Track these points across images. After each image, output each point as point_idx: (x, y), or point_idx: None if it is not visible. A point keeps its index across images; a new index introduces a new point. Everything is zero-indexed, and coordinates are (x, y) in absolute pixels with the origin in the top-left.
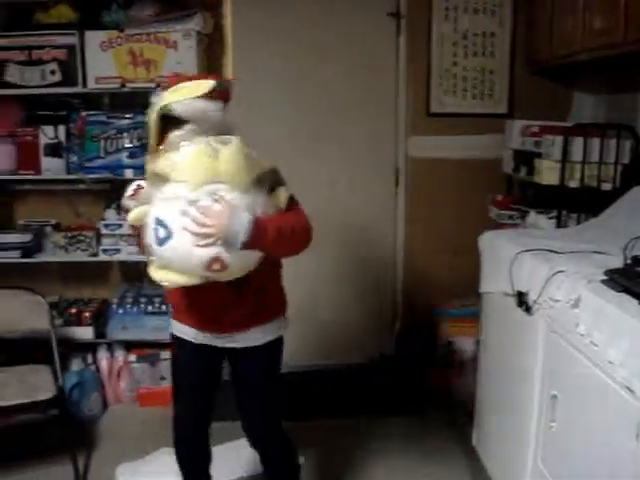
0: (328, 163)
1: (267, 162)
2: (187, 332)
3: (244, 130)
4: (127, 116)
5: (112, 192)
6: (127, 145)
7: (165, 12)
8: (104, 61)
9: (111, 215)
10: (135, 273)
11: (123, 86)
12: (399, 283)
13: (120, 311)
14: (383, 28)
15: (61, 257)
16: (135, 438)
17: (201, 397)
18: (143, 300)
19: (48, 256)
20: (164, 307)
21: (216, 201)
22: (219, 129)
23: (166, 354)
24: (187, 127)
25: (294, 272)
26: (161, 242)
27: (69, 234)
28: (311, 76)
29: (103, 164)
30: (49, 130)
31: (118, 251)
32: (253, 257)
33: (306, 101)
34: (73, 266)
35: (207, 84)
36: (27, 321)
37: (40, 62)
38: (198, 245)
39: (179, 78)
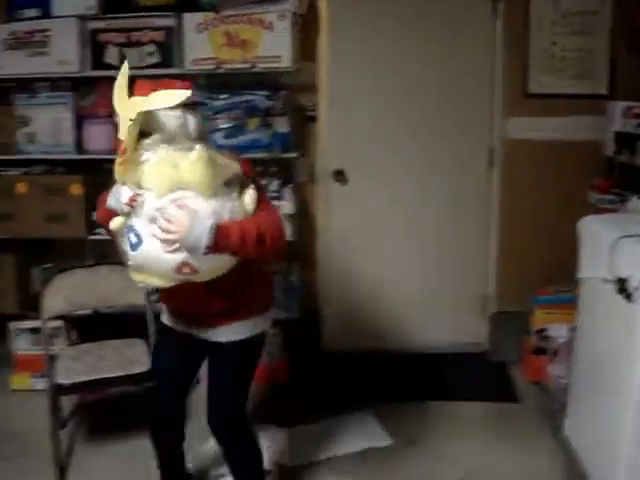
0: (422, 145)
1: (235, 165)
2: (168, 319)
3: (338, 111)
4: (223, 97)
5: None
6: (223, 125)
7: None
8: (200, 42)
9: None
10: None
11: (219, 67)
12: (492, 267)
13: None
14: (480, 8)
15: None
16: None
17: (176, 384)
18: None
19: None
20: None
21: (179, 208)
22: (187, 135)
23: None
24: (155, 136)
25: (386, 253)
26: (133, 248)
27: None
28: (405, 59)
29: None
30: None
31: None
32: (224, 260)
33: (400, 84)
34: None
35: (182, 94)
36: (124, 296)
37: (139, 44)
38: (166, 251)
39: (148, 85)
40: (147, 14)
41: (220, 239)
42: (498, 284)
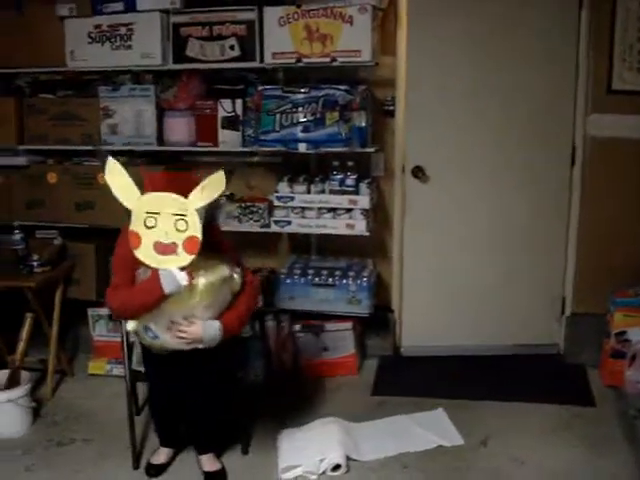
0: (500, 143)
1: (226, 269)
2: None
3: (416, 107)
4: (302, 91)
5: (284, 165)
6: (301, 119)
7: None
8: (281, 36)
9: (284, 188)
10: (304, 245)
11: (299, 61)
12: (570, 267)
13: (288, 281)
14: (564, 2)
15: (234, 227)
16: (297, 406)
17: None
18: (311, 272)
19: (222, 225)
20: (331, 280)
21: (191, 323)
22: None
23: (331, 325)
24: None
25: (462, 251)
26: (153, 338)
27: (243, 205)
28: (485, 54)
29: (277, 138)
30: (227, 104)
31: (289, 223)
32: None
33: (479, 80)
34: (245, 235)
35: (222, 183)
36: None
37: (220, 37)
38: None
39: (160, 179)
40: (229, 8)
41: (226, 333)
42: (575, 285)
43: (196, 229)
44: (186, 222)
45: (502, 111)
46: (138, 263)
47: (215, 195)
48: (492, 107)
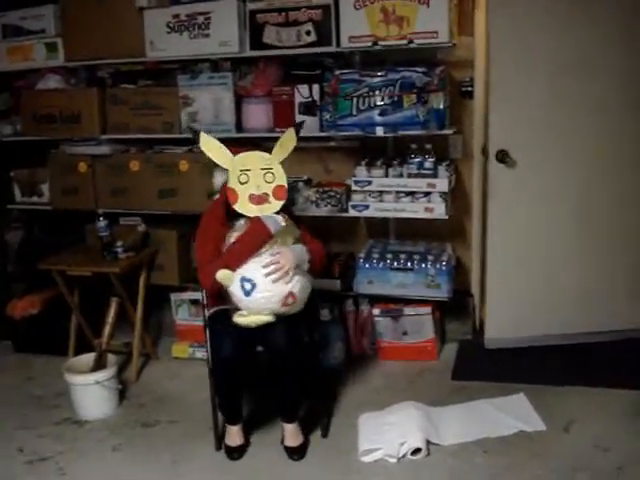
0: (593, 130)
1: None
2: None
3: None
4: (379, 74)
5: (362, 149)
6: (378, 103)
7: None
8: (357, 20)
9: (361, 172)
10: (382, 229)
11: (375, 44)
12: None
13: (366, 265)
14: None
15: (312, 211)
16: (376, 390)
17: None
18: (389, 256)
19: (300, 210)
20: (409, 264)
21: (279, 254)
22: None
23: (410, 310)
24: None
25: (549, 237)
26: (247, 294)
27: (320, 189)
28: (578, 34)
29: (355, 122)
30: (304, 89)
31: (367, 207)
32: (309, 286)
33: (571, 62)
34: (323, 220)
35: (293, 140)
36: None
37: (296, 23)
38: (284, 283)
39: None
40: None
41: (312, 254)
42: None
43: (282, 179)
44: (273, 174)
45: (595, 98)
46: (223, 233)
47: (291, 149)
48: (584, 93)
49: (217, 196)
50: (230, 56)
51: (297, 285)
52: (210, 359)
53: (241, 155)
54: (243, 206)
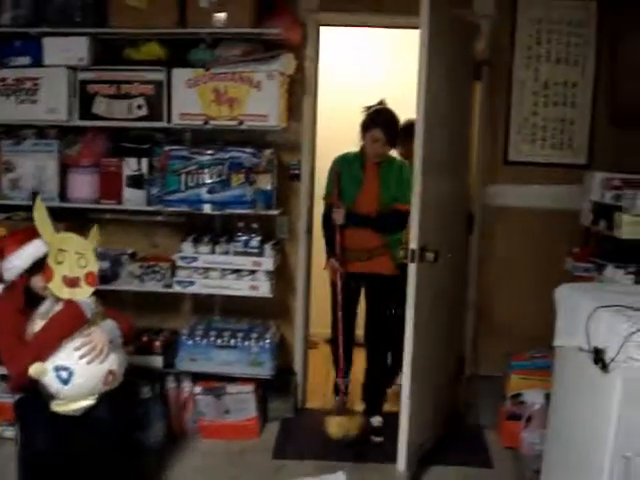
0: None
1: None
2: None
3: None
4: (208, 152)
5: (189, 225)
6: (207, 181)
7: (250, 52)
8: (189, 98)
9: (187, 248)
10: (206, 306)
11: (206, 123)
12: (469, 331)
13: (189, 342)
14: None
15: (136, 286)
16: (197, 470)
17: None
18: (213, 333)
19: (123, 284)
20: (233, 341)
21: (90, 334)
22: None
23: (232, 388)
24: None
25: None
26: (66, 382)
27: (145, 264)
28: None
29: (182, 198)
30: (132, 162)
31: (192, 283)
32: (126, 364)
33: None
34: (146, 295)
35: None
36: None
37: (128, 96)
38: (99, 363)
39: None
40: (138, 67)
41: (121, 328)
42: (474, 347)
43: (94, 265)
44: (86, 259)
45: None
46: (25, 322)
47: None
48: None
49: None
50: (58, 124)
51: (114, 362)
52: (20, 450)
53: (62, 234)
54: (56, 286)
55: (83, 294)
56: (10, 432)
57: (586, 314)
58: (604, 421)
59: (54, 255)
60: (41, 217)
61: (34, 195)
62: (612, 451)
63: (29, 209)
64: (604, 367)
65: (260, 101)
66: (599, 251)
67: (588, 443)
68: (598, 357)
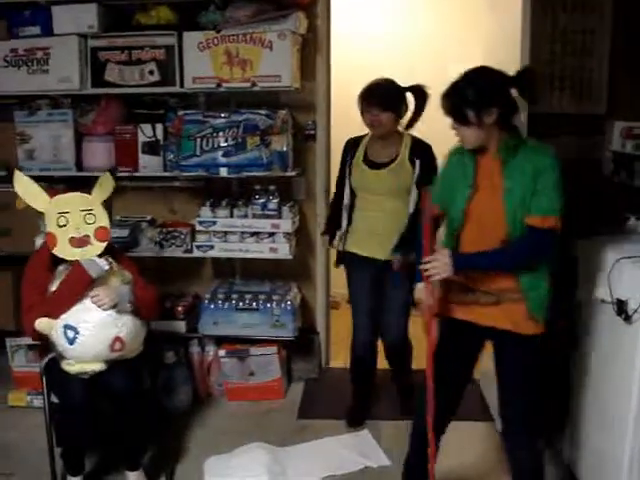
0: None
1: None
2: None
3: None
4: (222, 115)
5: (207, 190)
6: (222, 144)
7: (261, 12)
8: (201, 61)
9: (206, 212)
10: (227, 269)
11: (219, 86)
12: None
13: (212, 307)
14: None
15: (156, 252)
16: (223, 432)
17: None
18: (234, 296)
19: (143, 251)
20: (254, 304)
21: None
22: None
23: (256, 350)
24: None
25: None
26: (71, 342)
27: (164, 230)
28: None
29: (198, 162)
30: (147, 128)
31: (212, 247)
32: (143, 334)
33: None
34: (167, 261)
35: (111, 182)
36: None
37: (139, 62)
38: (107, 308)
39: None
40: (148, 32)
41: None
42: None
43: (103, 219)
44: (94, 215)
45: None
46: (48, 279)
47: (111, 190)
48: None
49: (40, 242)
50: (70, 93)
51: (124, 329)
52: (47, 408)
53: (59, 197)
54: (63, 250)
55: (95, 251)
56: (39, 401)
57: (608, 266)
58: (628, 372)
59: (54, 220)
60: (24, 189)
61: (9, 171)
62: (637, 402)
63: (46, 179)
64: (627, 318)
65: (272, 61)
66: (621, 202)
67: (612, 395)
68: (621, 308)
